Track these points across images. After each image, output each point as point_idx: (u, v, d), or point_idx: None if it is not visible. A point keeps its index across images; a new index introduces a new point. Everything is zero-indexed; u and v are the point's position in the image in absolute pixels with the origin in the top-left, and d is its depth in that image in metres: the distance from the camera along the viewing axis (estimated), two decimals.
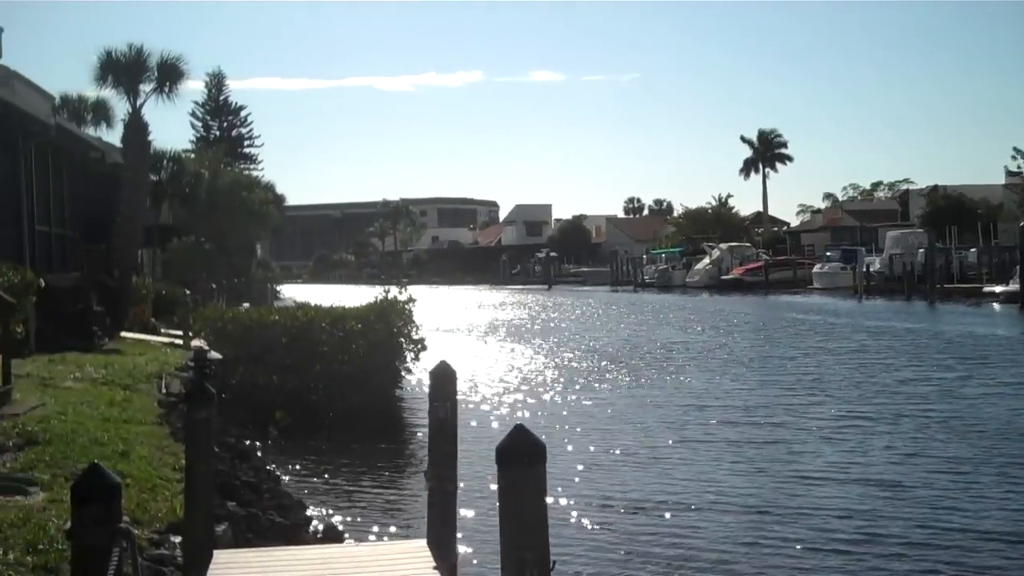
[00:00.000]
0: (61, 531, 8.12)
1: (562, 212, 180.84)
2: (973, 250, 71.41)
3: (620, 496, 14.62)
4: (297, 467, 16.87)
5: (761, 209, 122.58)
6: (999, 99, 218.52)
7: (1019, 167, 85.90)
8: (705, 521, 13.10)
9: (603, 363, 32.53)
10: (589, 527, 12.91)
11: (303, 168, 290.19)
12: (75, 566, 4.64)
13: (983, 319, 47.75)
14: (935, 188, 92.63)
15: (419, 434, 19.18)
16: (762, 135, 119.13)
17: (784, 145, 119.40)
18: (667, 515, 13.48)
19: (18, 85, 30.52)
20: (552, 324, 53.10)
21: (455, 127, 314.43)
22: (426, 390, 9.81)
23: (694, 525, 12.94)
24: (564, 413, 22.42)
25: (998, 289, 57.72)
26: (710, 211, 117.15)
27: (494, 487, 13.84)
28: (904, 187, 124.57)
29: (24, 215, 22.70)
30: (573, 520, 13.16)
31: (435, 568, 8.29)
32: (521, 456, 5.33)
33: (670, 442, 18.48)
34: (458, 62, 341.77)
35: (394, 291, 22.95)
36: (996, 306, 54.87)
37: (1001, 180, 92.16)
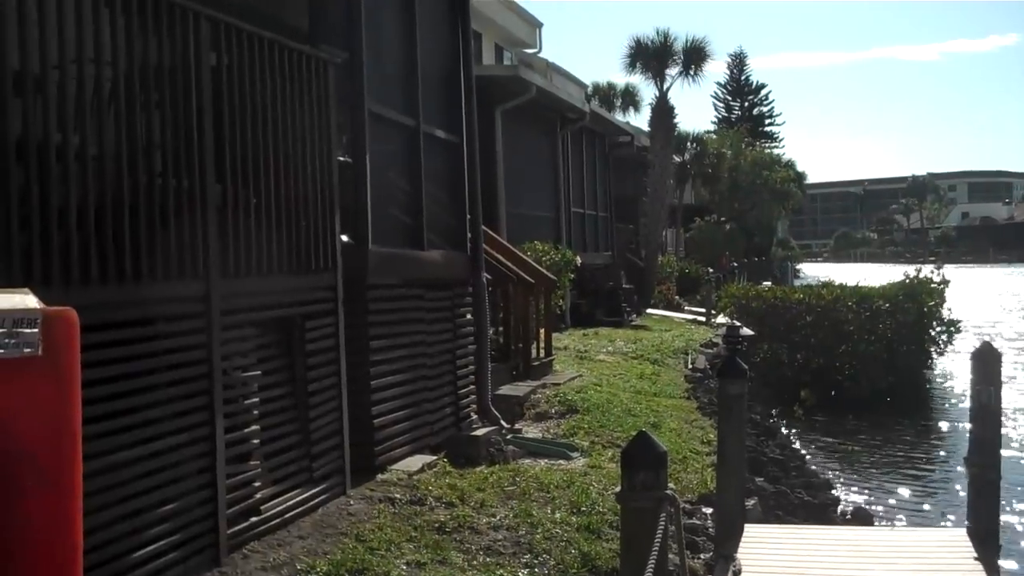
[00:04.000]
0: (601, 494, 8.58)
1: None
2: None
3: None
4: (823, 447, 16.63)
5: None
6: None
7: None
8: None
9: None
10: None
11: (824, 144, 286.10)
12: (624, 528, 4.84)
13: None
14: None
15: (952, 417, 18.22)
16: None
17: None
18: None
19: (555, 76, 32.64)
20: None
21: (988, 95, 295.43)
22: (958, 373, 9.24)
23: None
24: None
25: None
26: None
27: None
28: None
29: (562, 197, 24.22)
30: None
31: (976, 559, 7.82)
32: None
33: None
34: (990, 25, 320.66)
35: (926, 270, 21.95)
36: None
37: None
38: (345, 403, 8.06)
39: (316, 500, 7.50)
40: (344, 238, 8.36)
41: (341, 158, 8.50)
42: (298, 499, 7.28)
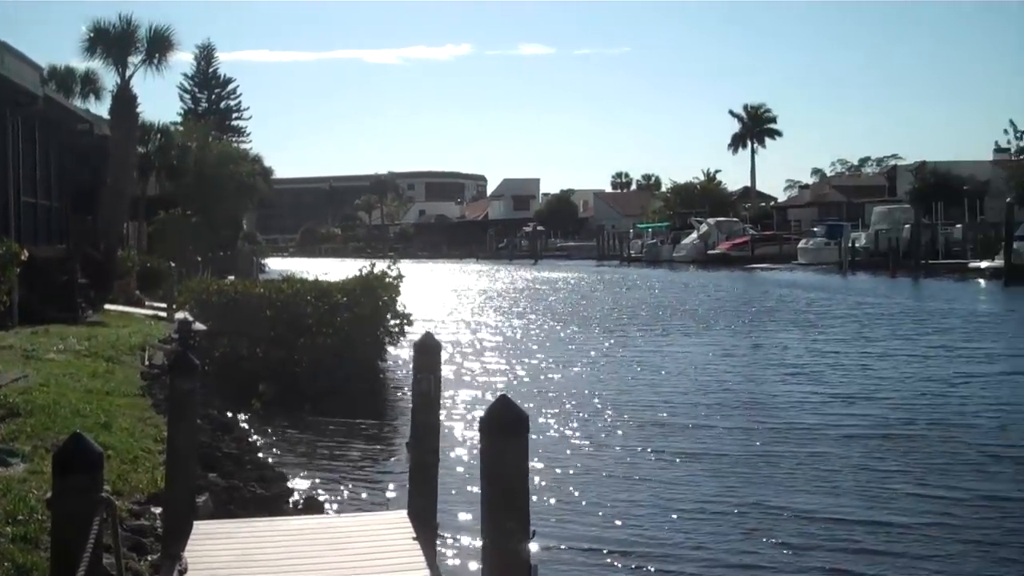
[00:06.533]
0: (41, 502, 8.15)
1: (550, 187, 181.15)
2: (959, 226, 71.18)
3: (600, 467, 14.75)
4: (279, 439, 16.90)
5: (749, 184, 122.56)
6: (988, 75, 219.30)
7: (1009, 142, 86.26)
8: (680, 496, 13.15)
9: (587, 336, 32.62)
10: (568, 497, 12.98)
11: (292, 141, 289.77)
12: (55, 535, 4.67)
13: (968, 294, 48.08)
14: (923, 164, 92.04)
15: (402, 406, 19.21)
16: (751, 109, 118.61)
17: (773, 120, 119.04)
18: (646, 485, 13.61)
19: (6, 56, 30.35)
20: (537, 298, 53.15)
21: (444, 101, 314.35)
22: (411, 363, 9.84)
23: (669, 496, 13.03)
24: (547, 384, 22.51)
25: (983, 265, 57.89)
26: (698, 186, 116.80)
27: (477, 457, 13.96)
28: (892, 163, 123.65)
29: (10, 186, 22.63)
30: (553, 490, 13.22)
31: (415, 539, 8.32)
32: (504, 426, 5.31)
33: (656, 414, 18.56)
34: (447, 35, 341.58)
35: (381, 265, 22.95)
36: (982, 282, 55.07)
37: (989, 157, 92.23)
38: None
39: None
40: None
41: None
42: None
